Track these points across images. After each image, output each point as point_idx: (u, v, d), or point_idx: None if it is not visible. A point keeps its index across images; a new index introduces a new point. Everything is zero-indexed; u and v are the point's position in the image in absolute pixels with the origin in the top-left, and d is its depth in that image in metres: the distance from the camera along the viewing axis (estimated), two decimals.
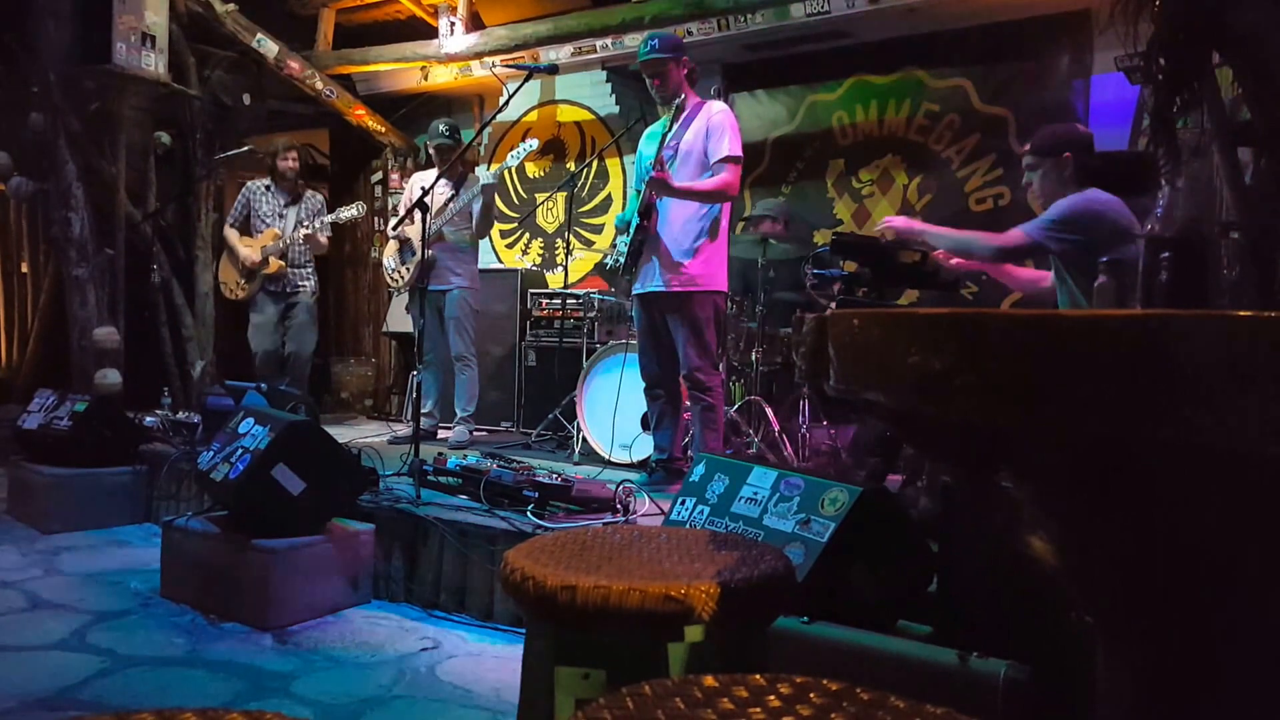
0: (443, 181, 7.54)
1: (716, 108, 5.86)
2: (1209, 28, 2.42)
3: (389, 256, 7.93)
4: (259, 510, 4.82)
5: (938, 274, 4.94)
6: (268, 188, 8.37)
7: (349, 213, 8.22)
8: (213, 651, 4.32)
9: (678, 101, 5.89)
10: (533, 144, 7.60)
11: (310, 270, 8.46)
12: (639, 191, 5.85)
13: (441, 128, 7.81)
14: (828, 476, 3.53)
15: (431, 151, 7.89)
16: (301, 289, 8.36)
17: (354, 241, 11.45)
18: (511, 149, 7.50)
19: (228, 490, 4.90)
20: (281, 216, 8.28)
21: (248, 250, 8.18)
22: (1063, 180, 4.62)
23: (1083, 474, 1.27)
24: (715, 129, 5.74)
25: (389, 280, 8.06)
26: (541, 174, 10.48)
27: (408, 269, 7.70)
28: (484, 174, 7.50)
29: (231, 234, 8.33)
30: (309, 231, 8.17)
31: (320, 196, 8.62)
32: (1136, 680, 1.43)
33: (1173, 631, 1.36)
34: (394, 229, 7.75)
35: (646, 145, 6.09)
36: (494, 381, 8.95)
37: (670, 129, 5.91)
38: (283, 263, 8.17)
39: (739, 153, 5.74)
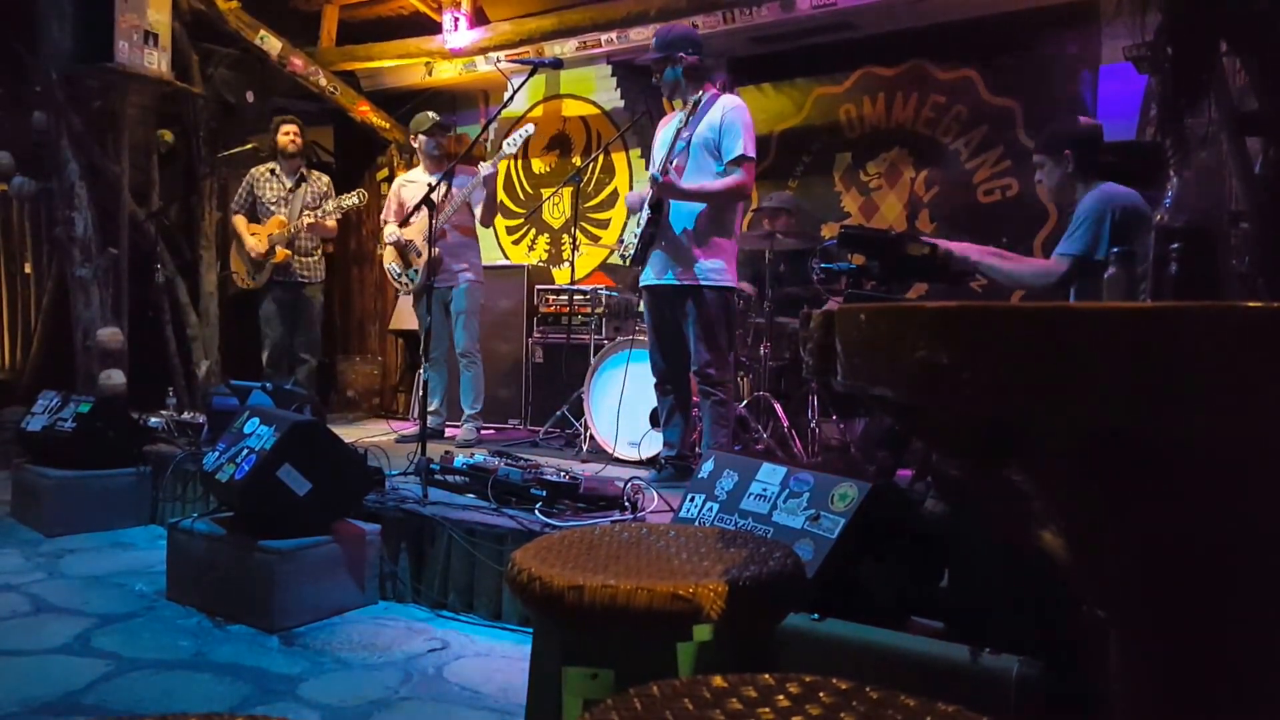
0: (432, 179, 7.53)
1: (731, 103, 5.80)
2: (1216, 16, 2.40)
3: (392, 263, 7.89)
4: (265, 511, 4.80)
5: (946, 267, 4.91)
6: (272, 171, 8.36)
7: (350, 201, 8.21)
8: (219, 654, 4.30)
9: (694, 97, 5.85)
10: (529, 129, 7.59)
11: (318, 258, 8.47)
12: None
13: (430, 114, 7.88)
14: (837, 472, 3.51)
15: (421, 139, 7.86)
16: (309, 278, 8.37)
17: (359, 239, 11.46)
18: (507, 138, 7.48)
19: (233, 491, 4.88)
20: (286, 202, 8.27)
21: (254, 240, 8.18)
22: (1066, 176, 4.67)
23: (1092, 467, 1.26)
24: (728, 126, 5.69)
25: (396, 284, 8.03)
26: (547, 169, 10.47)
27: (416, 272, 7.67)
28: (483, 167, 7.48)
29: (239, 221, 8.34)
30: (312, 220, 8.16)
31: (327, 179, 8.60)
32: (1149, 675, 1.42)
33: (1185, 625, 1.35)
34: (394, 231, 7.70)
35: (662, 138, 6.05)
36: (501, 378, 8.95)
37: (685, 121, 5.88)
38: (289, 251, 8.17)
39: (752, 152, 5.69)
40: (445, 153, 8.01)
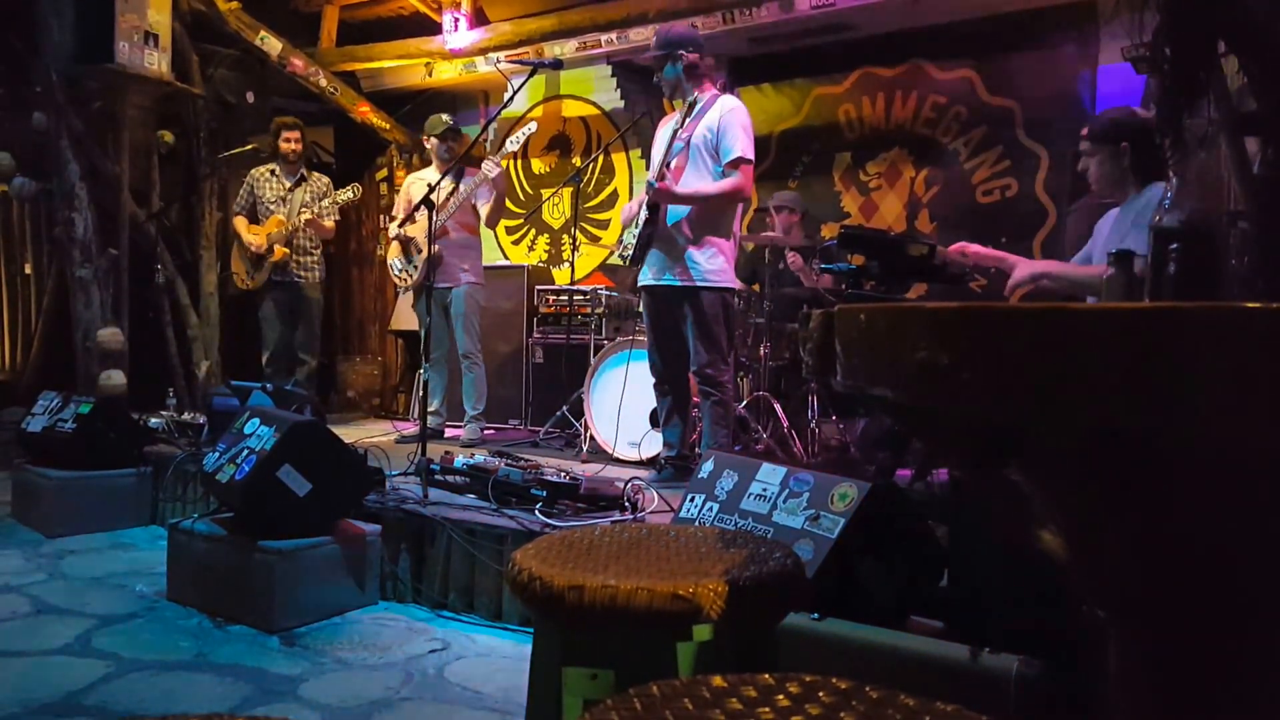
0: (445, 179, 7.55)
1: (729, 104, 5.78)
2: (1214, 16, 2.40)
3: (395, 257, 7.91)
4: (265, 512, 4.79)
5: (946, 267, 4.90)
6: (272, 172, 8.37)
7: (345, 195, 8.20)
8: (219, 654, 4.30)
9: (692, 97, 5.85)
10: (531, 127, 7.59)
11: (317, 258, 8.46)
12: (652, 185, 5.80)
13: (444, 117, 7.81)
14: (837, 472, 3.51)
15: (434, 142, 7.85)
16: (306, 277, 8.36)
17: (359, 240, 11.46)
18: (510, 136, 7.49)
19: (233, 492, 4.88)
20: (285, 202, 8.27)
21: (252, 237, 8.18)
22: (1120, 170, 4.42)
23: (1091, 467, 1.26)
24: (726, 128, 5.67)
25: (396, 280, 8.04)
26: (547, 169, 10.47)
27: (415, 267, 7.68)
28: (487, 166, 7.46)
29: (239, 222, 8.36)
30: (310, 216, 8.15)
31: (326, 179, 8.60)
32: (1148, 674, 1.42)
33: (1185, 625, 1.35)
34: (398, 228, 7.72)
35: (660, 139, 6.05)
36: (501, 379, 8.95)
37: (681, 121, 5.87)
38: (287, 250, 8.17)
39: (750, 154, 5.67)
40: (455, 155, 7.99)
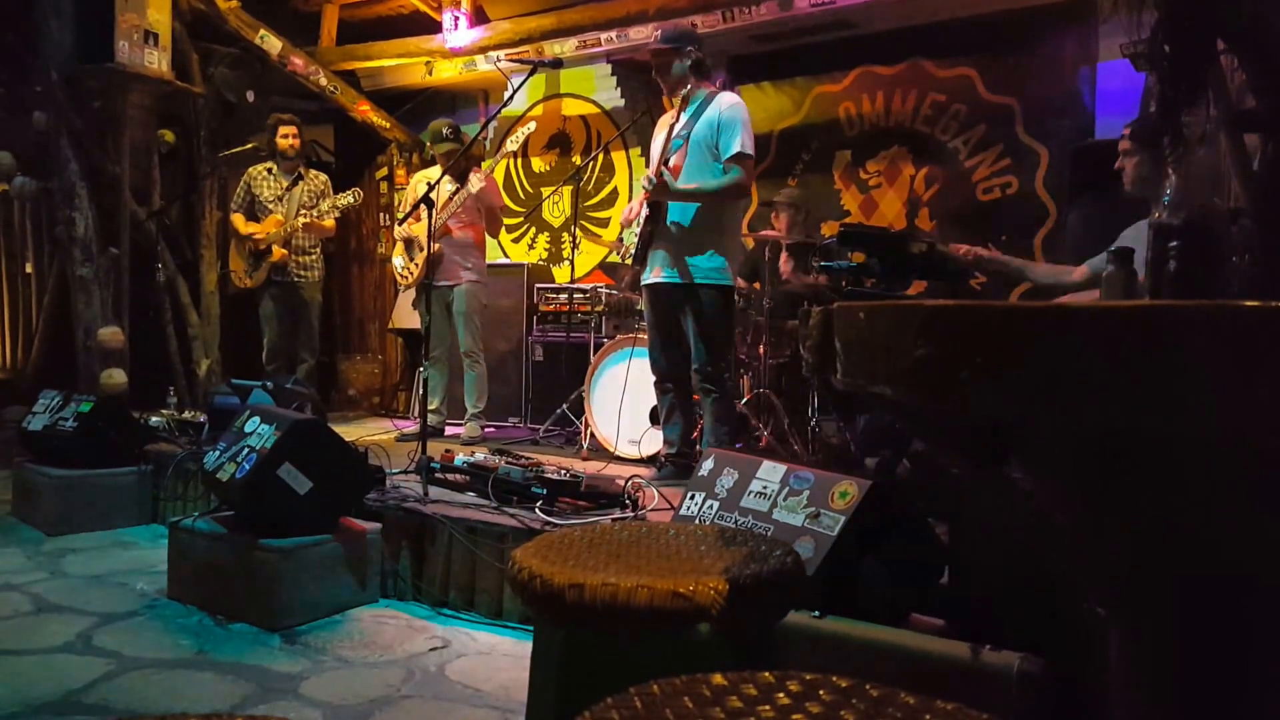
0: (448, 178, 7.54)
1: (728, 100, 5.79)
2: (1212, 13, 2.40)
3: (398, 255, 7.92)
4: (266, 510, 4.80)
5: (946, 265, 4.90)
6: (269, 170, 8.36)
7: (346, 200, 8.18)
8: (220, 653, 4.30)
9: (684, 91, 5.85)
10: (530, 126, 7.60)
11: (316, 257, 8.46)
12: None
13: (444, 130, 7.75)
14: (837, 470, 3.51)
15: (435, 155, 7.85)
16: (305, 276, 8.36)
17: (359, 238, 11.46)
18: (509, 136, 7.50)
19: (234, 490, 4.88)
20: (283, 201, 8.26)
21: (253, 229, 8.18)
22: (1159, 174, 4.31)
23: (1092, 465, 1.26)
24: (726, 124, 5.68)
25: (398, 277, 8.04)
26: (547, 168, 10.46)
27: (416, 265, 7.68)
28: (473, 180, 7.46)
29: (237, 219, 8.34)
30: (308, 220, 8.14)
31: (324, 177, 8.59)
32: (1149, 671, 1.42)
33: (1185, 622, 1.35)
34: (400, 225, 7.73)
35: (658, 137, 6.05)
36: (501, 377, 8.93)
37: (679, 118, 5.87)
38: (286, 251, 8.16)
39: (750, 150, 5.67)
40: (454, 157, 7.96)
